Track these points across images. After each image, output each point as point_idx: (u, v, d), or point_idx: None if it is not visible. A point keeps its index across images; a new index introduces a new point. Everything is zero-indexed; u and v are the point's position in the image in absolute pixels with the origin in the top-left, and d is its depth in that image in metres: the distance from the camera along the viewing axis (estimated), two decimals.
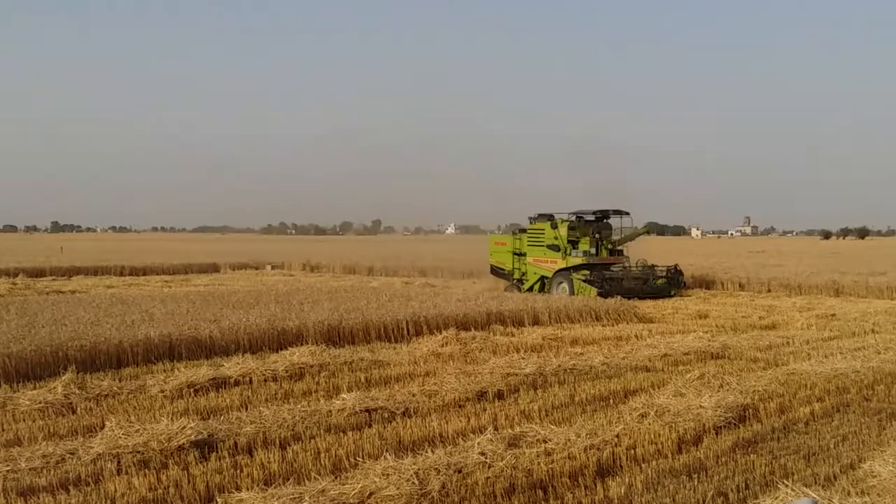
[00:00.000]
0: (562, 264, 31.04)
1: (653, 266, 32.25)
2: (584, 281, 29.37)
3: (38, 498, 7.33)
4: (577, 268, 30.62)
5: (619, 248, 32.38)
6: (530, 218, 34.03)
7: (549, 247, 31.82)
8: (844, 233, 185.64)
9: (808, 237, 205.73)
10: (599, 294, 27.33)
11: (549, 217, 32.74)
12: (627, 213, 32.38)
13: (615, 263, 31.89)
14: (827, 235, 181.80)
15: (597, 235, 31.54)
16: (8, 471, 8.04)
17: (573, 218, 32.35)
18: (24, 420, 10.41)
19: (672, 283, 31.69)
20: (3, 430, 9.90)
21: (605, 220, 32.57)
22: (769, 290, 34.09)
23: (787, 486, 7.19)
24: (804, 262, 50.52)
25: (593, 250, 31.23)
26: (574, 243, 31.53)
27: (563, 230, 31.63)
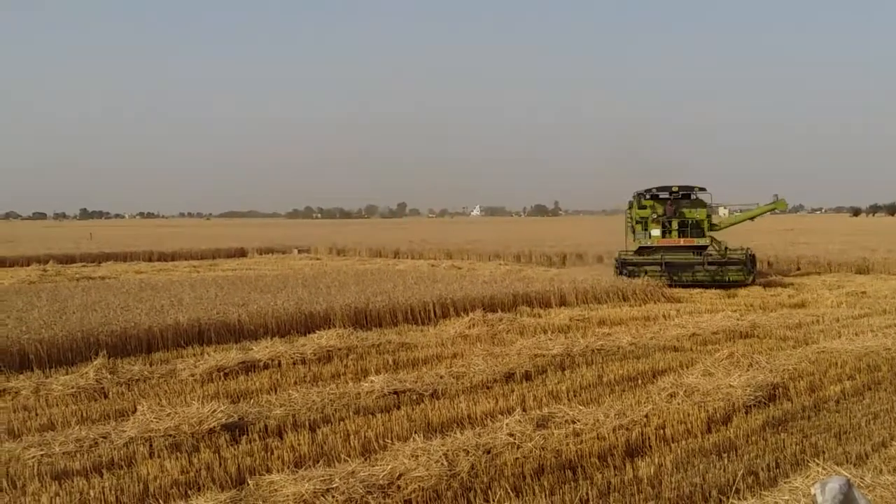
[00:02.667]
0: (633, 246, 28.71)
1: (745, 251, 27.41)
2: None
3: (73, 481, 7.44)
4: (645, 249, 27.96)
5: (715, 229, 28.97)
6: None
7: (631, 228, 29.76)
8: (874, 209, 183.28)
9: (838, 214, 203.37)
10: None
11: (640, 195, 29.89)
12: (703, 189, 29.03)
13: (697, 248, 27.60)
14: (856, 212, 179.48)
15: (655, 215, 28.63)
16: (42, 455, 8.16)
17: (647, 196, 29.42)
18: (57, 405, 10.55)
19: (745, 270, 26.56)
20: (37, 414, 10.04)
21: (684, 198, 29.08)
22: (798, 268, 33.75)
23: (818, 464, 7.13)
24: (834, 239, 49.94)
25: (657, 232, 28.27)
26: (645, 223, 28.88)
27: (635, 209, 29.36)
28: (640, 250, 28.07)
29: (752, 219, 30.80)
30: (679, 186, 29.00)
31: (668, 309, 20.15)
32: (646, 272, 26.33)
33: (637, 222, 29.06)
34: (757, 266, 28.80)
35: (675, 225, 28.50)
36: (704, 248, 27.78)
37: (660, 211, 28.96)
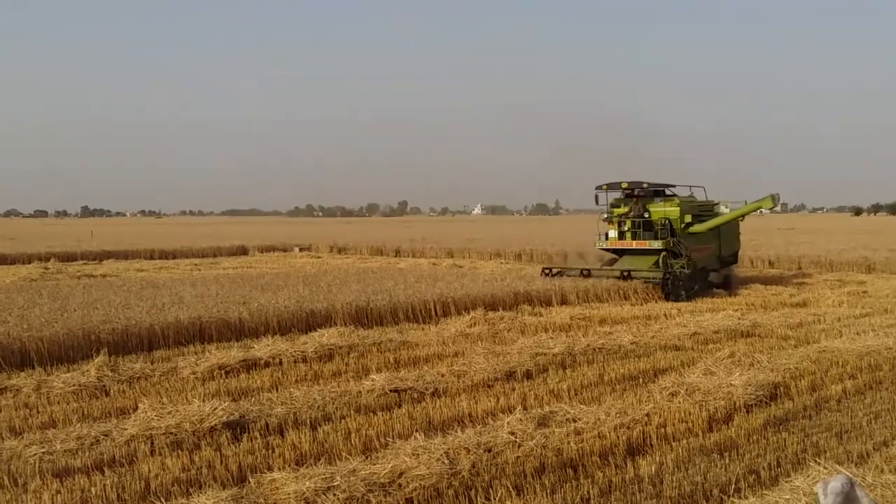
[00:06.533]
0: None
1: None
2: None
3: (74, 479, 7.43)
4: (609, 252, 25.78)
5: (690, 231, 25.00)
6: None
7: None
8: (876, 209, 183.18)
9: (839, 214, 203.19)
10: None
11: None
12: (669, 186, 26.06)
13: (654, 251, 24.30)
14: (858, 212, 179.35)
15: (607, 214, 25.92)
16: (44, 452, 8.16)
17: (618, 193, 26.10)
18: (58, 402, 10.54)
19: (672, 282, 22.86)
20: (38, 412, 10.04)
21: (656, 195, 25.82)
22: (800, 268, 33.73)
23: (819, 463, 7.13)
24: (835, 238, 49.94)
25: (613, 233, 25.42)
26: (612, 221, 25.79)
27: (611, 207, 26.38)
28: (618, 252, 25.62)
29: (741, 217, 27.05)
30: (629, 182, 25.19)
31: (669, 308, 20.16)
32: (563, 276, 24.61)
33: (609, 220, 25.87)
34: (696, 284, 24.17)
35: (628, 225, 25.20)
36: (659, 252, 24.19)
37: (624, 210, 25.76)
